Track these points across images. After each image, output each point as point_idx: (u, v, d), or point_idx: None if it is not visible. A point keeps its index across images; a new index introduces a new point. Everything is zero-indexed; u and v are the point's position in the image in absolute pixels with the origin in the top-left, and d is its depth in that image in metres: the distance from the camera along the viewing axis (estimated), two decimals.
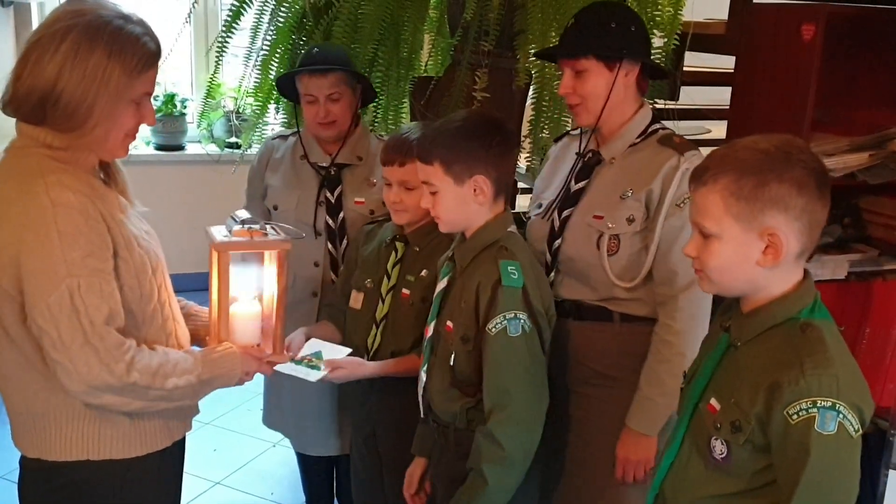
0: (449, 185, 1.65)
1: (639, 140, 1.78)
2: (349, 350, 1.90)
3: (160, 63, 1.43)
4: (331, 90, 2.12)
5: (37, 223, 1.28)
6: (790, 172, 1.22)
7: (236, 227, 1.59)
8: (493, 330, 1.61)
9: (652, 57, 1.87)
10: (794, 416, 1.18)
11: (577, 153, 1.84)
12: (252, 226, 1.60)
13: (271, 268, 1.63)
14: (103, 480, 1.43)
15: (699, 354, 1.44)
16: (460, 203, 1.66)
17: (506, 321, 1.61)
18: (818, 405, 1.17)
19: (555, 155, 1.98)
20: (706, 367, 1.35)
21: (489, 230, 1.69)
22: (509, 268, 1.62)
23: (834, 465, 1.19)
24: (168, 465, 1.53)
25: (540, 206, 1.89)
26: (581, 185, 1.80)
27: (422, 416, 1.82)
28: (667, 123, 1.85)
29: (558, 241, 1.81)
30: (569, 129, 2.17)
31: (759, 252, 1.24)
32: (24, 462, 1.46)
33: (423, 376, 1.77)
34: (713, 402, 1.30)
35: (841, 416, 1.18)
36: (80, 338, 1.29)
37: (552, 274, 1.82)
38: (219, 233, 1.59)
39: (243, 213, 1.66)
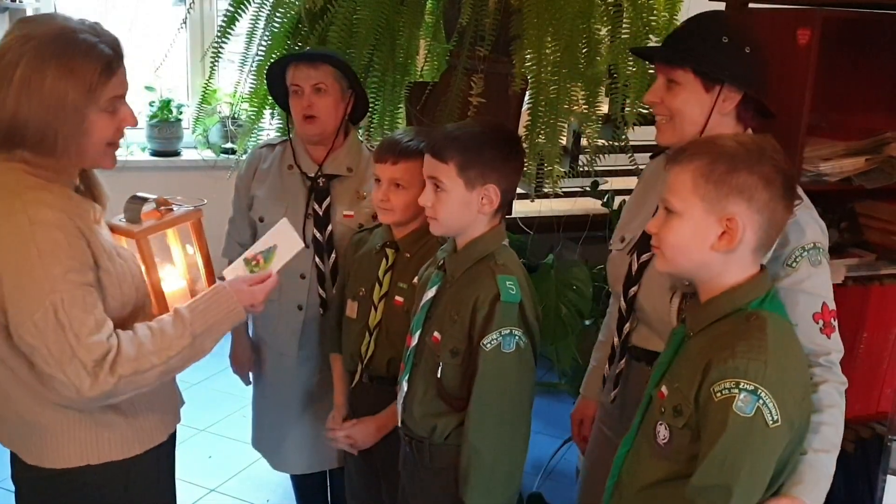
0: (459, 187, 1.63)
1: None
2: (302, 245, 1.72)
3: (123, 62, 1.38)
4: (316, 80, 2.08)
5: (16, 242, 1.28)
6: (760, 167, 1.28)
7: (146, 209, 1.55)
8: (489, 345, 1.60)
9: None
10: (718, 394, 1.23)
11: None
12: (150, 205, 1.56)
13: (184, 239, 1.63)
14: (107, 483, 1.45)
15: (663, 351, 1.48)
16: (464, 208, 1.64)
17: (501, 337, 1.60)
18: (740, 386, 1.22)
19: (646, 177, 1.76)
20: (664, 358, 1.40)
21: (484, 242, 1.68)
22: (507, 283, 1.61)
23: (743, 447, 1.23)
24: (164, 459, 1.56)
25: (623, 239, 1.71)
26: None
27: (399, 424, 1.81)
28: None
29: (635, 288, 1.63)
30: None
31: (716, 236, 1.29)
32: (23, 467, 1.45)
33: (405, 386, 1.75)
34: (663, 388, 1.34)
35: (761, 401, 1.21)
36: (69, 351, 1.29)
37: (627, 323, 1.65)
38: (122, 220, 1.55)
39: (142, 194, 1.60)
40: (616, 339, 1.71)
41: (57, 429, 1.40)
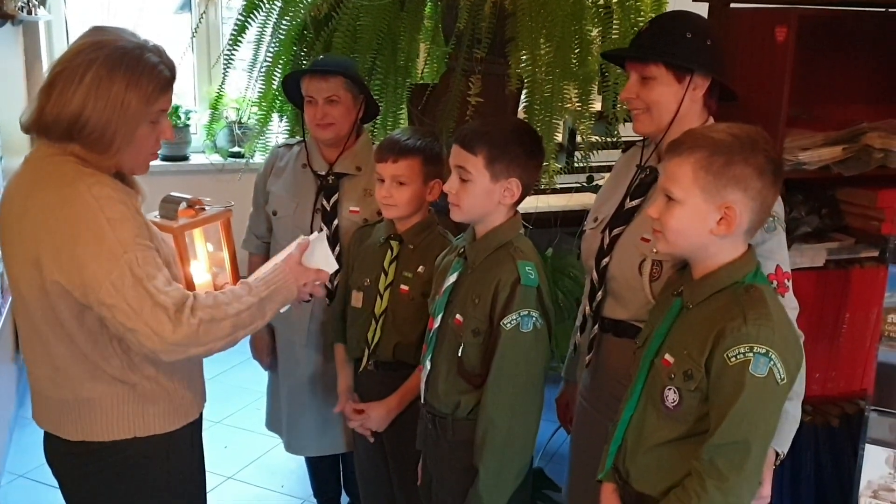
0: (484, 178, 1.73)
1: None
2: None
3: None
4: (329, 93, 2.20)
5: (87, 217, 1.40)
6: (755, 158, 1.38)
7: (181, 208, 1.66)
8: (508, 325, 1.71)
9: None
10: (733, 359, 1.35)
11: (636, 165, 1.79)
12: (183, 204, 1.66)
13: (208, 236, 1.73)
14: (150, 454, 1.57)
15: (650, 322, 1.58)
16: (486, 198, 1.75)
17: (519, 318, 1.71)
18: (754, 350, 1.34)
19: (618, 167, 1.92)
20: (661, 329, 1.50)
21: (504, 231, 1.78)
22: (527, 268, 1.73)
23: (759, 404, 1.35)
24: (197, 433, 1.69)
25: (596, 219, 1.85)
26: (635, 203, 1.74)
27: (421, 401, 1.91)
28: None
29: (606, 259, 1.75)
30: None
31: (714, 222, 1.40)
32: (65, 447, 1.57)
33: (428, 365, 1.86)
34: (667, 356, 1.45)
35: (772, 363, 1.34)
36: (149, 301, 1.39)
37: (599, 293, 1.78)
38: (157, 217, 1.66)
39: (176, 194, 1.70)
40: (588, 309, 1.83)
41: (107, 402, 1.52)
